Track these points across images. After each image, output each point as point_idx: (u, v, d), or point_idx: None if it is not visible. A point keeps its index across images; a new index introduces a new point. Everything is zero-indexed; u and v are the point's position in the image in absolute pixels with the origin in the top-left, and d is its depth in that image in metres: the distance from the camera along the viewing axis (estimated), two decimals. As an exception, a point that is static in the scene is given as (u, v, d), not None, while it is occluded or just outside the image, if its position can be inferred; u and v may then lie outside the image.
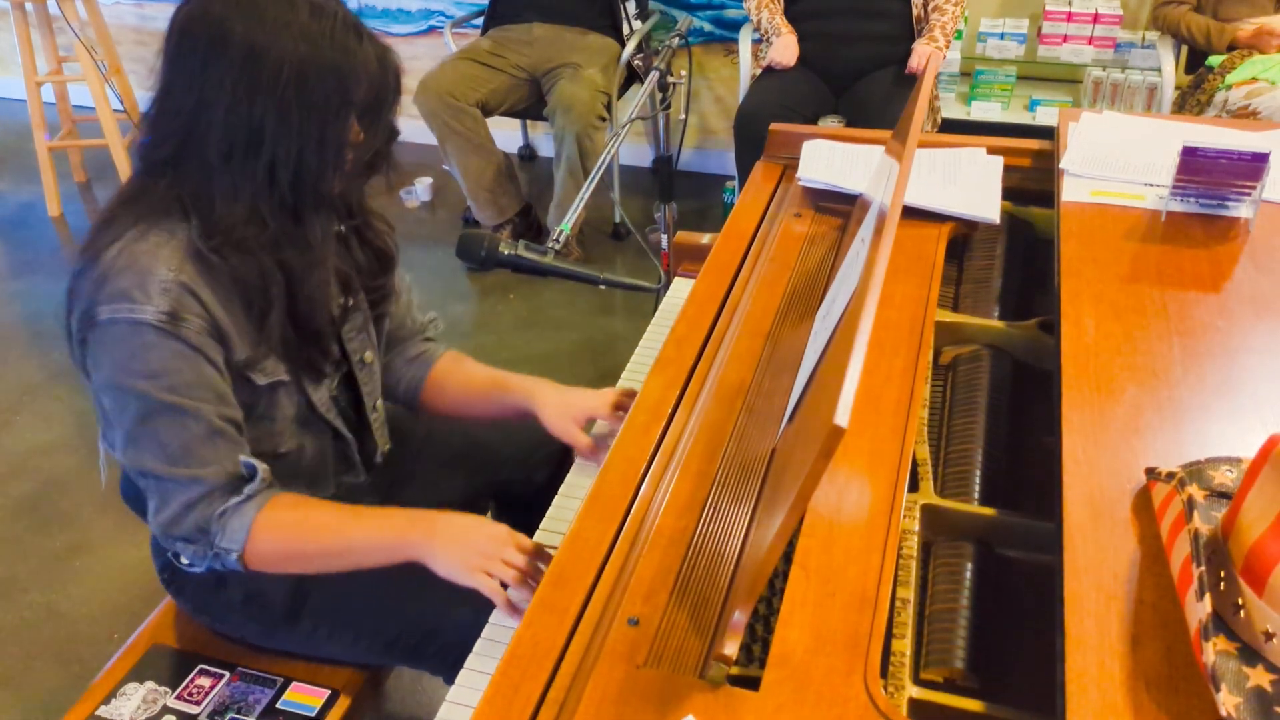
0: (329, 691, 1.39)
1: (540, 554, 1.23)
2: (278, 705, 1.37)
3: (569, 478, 1.40)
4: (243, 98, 1.12)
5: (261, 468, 1.24)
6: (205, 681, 1.40)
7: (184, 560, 1.27)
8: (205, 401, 1.19)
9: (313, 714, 1.36)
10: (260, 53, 1.11)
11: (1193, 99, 3.05)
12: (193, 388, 1.18)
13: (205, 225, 1.17)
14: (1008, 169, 1.66)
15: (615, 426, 1.39)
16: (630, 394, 1.44)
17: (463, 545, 1.21)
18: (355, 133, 1.20)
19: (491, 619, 1.19)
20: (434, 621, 1.36)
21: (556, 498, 1.36)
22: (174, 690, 1.39)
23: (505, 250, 1.53)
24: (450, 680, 1.15)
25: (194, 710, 1.36)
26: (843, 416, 0.73)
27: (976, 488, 1.16)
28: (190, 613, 1.46)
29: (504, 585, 1.19)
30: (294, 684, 1.40)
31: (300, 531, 1.25)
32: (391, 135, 1.28)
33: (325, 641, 1.39)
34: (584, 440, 1.42)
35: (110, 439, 1.31)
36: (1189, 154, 1.43)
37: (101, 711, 1.36)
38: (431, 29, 4.19)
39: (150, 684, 1.40)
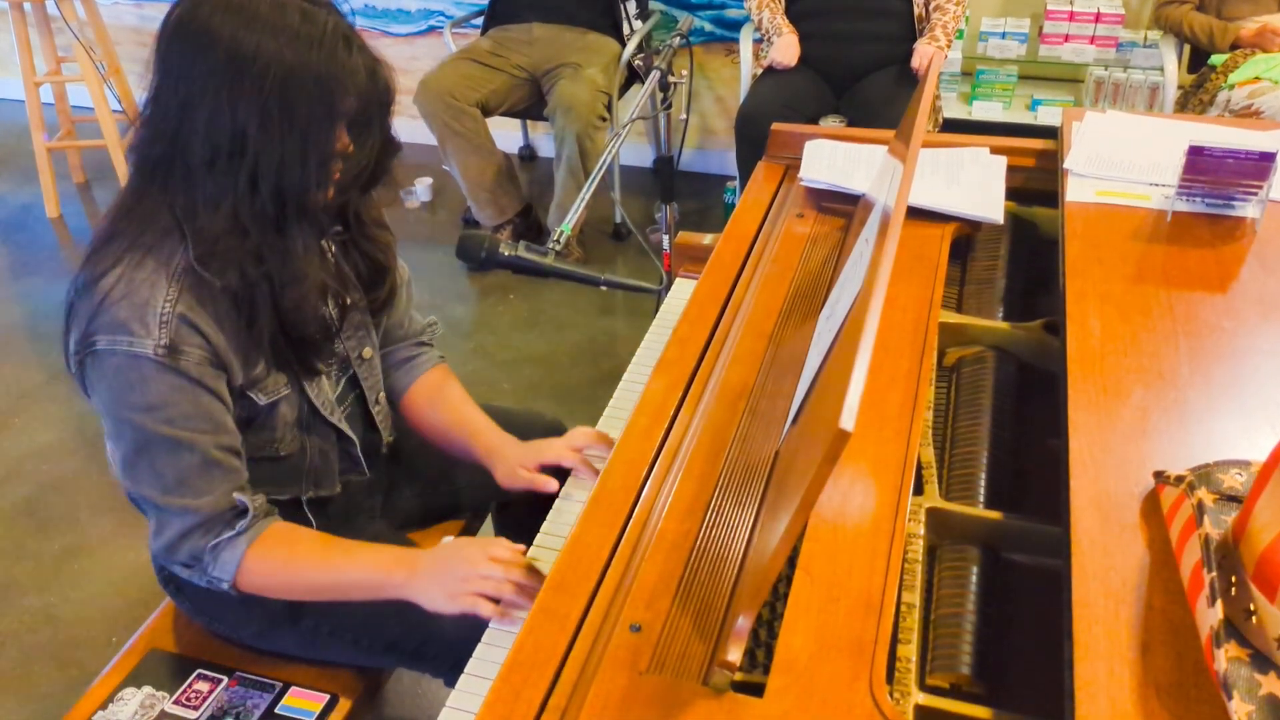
0: (328, 696, 1.38)
1: (519, 558, 1.24)
2: (276, 710, 1.36)
3: (567, 485, 1.39)
4: (225, 103, 1.11)
5: (255, 503, 1.27)
6: (203, 686, 1.39)
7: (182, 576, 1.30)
8: (202, 433, 1.20)
9: (311, 719, 1.35)
10: (246, 56, 1.10)
11: (1195, 98, 3.04)
12: (190, 419, 1.19)
13: (194, 237, 1.16)
14: (1011, 169, 1.65)
15: (588, 474, 1.37)
16: (600, 437, 1.42)
17: (440, 577, 1.23)
18: (345, 144, 1.19)
19: (491, 623, 1.18)
20: (435, 622, 1.35)
21: (556, 502, 1.35)
22: (172, 695, 1.37)
23: (505, 251, 1.51)
24: (451, 682, 1.14)
25: (191, 715, 1.35)
26: (848, 420, 0.72)
27: (982, 491, 1.15)
28: (189, 613, 1.45)
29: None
30: (293, 688, 1.39)
31: (289, 567, 1.29)
32: (391, 149, 1.26)
33: (326, 641, 1.39)
34: (539, 480, 1.39)
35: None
36: (1195, 153, 1.41)
37: (99, 716, 1.34)
38: (431, 29, 4.18)
39: (148, 688, 1.39)
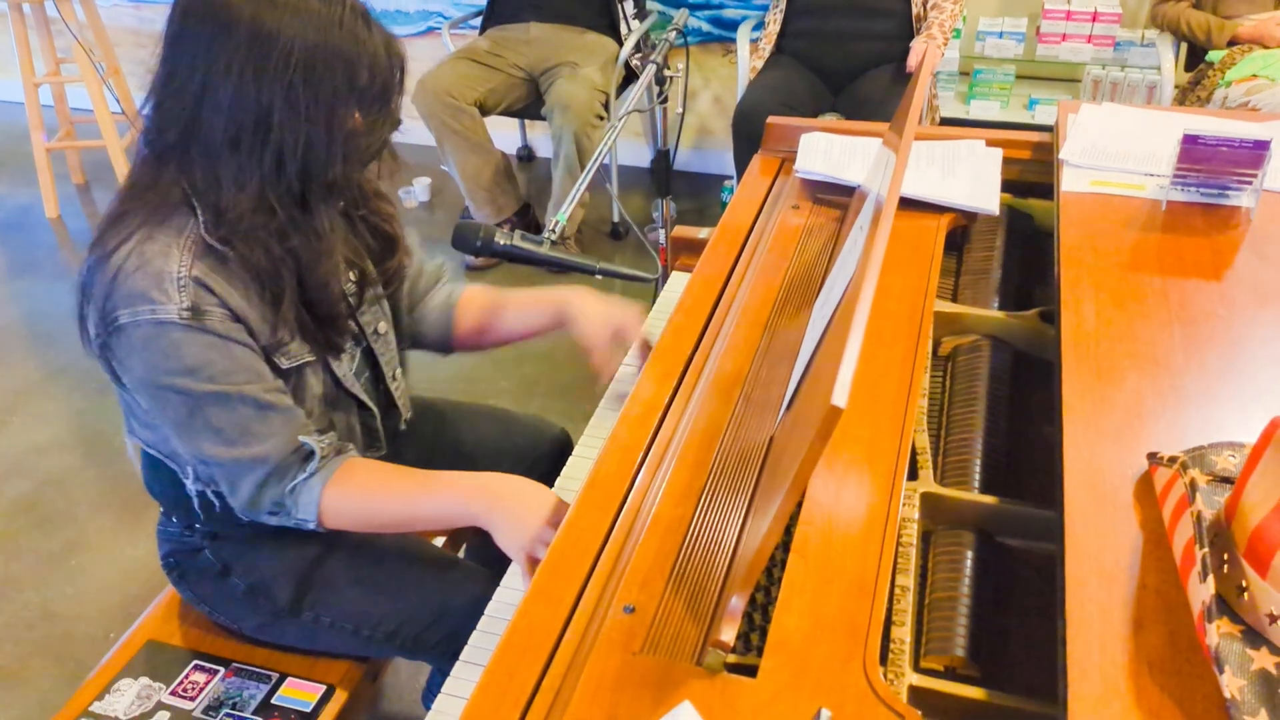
0: (325, 686, 1.38)
1: None
2: (273, 700, 1.36)
3: (561, 481, 1.39)
4: (250, 82, 1.11)
5: (319, 445, 1.27)
6: (200, 677, 1.39)
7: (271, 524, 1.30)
8: (248, 382, 1.21)
9: (308, 709, 1.35)
10: (268, 37, 1.10)
11: (1192, 96, 3.04)
12: (231, 373, 1.19)
13: (212, 215, 1.17)
14: (1007, 161, 1.65)
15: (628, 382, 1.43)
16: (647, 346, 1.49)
17: (520, 522, 1.21)
18: (358, 121, 1.19)
19: (488, 611, 1.18)
20: (436, 611, 1.36)
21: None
22: (169, 686, 1.38)
23: (501, 240, 1.52)
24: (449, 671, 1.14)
25: (188, 706, 1.35)
26: (840, 396, 0.72)
27: (976, 476, 1.15)
28: (191, 602, 1.45)
29: None
30: (289, 679, 1.39)
31: (368, 501, 1.30)
32: (394, 124, 1.27)
33: (326, 632, 1.39)
34: (608, 360, 1.47)
35: (141, 434, 1.32)
36: (1190, 142, 1.42)
37: (95, 707, 1.35)
38: (430, 30, 4.19)
39: (145, 680, 1.39)
